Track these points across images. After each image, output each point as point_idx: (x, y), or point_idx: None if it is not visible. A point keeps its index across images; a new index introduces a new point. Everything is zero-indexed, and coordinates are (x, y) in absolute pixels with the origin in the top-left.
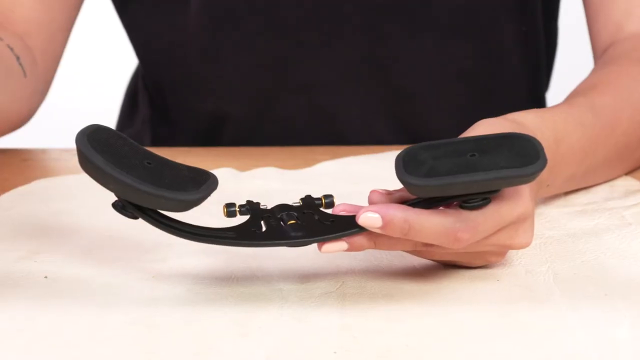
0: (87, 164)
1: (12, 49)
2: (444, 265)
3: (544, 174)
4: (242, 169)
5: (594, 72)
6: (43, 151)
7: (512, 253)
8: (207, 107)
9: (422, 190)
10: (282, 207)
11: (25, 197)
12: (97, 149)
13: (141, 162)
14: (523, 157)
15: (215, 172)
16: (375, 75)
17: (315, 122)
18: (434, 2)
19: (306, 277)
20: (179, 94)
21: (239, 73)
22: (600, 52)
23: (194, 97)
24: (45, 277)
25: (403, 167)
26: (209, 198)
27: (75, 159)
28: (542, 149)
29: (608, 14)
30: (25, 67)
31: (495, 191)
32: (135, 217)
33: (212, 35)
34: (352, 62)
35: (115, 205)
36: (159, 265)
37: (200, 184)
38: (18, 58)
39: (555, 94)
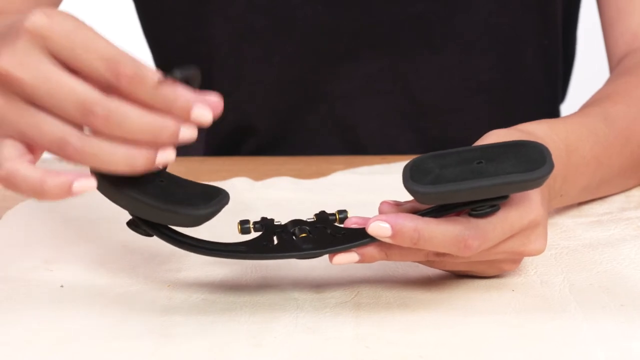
0: (99, 182)
1: None
2: (458, 275)
3: (557, 183)
4: (257, 178)
5: (608, 82)
6: (60, 159)
7: (527, 263)
8: (228, 119)
9: (427, 197)
10: (295, 222)
11: (40, 206)
12: None
13: (152, 180)
14: (529, 162)
15: (230, 181)
16: (396, 88)
17: (336, 134)
18: (455, 16)
19: (321, 286)
20: None
21: (261, 86)
22: (616, 62)
23: None
24: (61, 286)
25: (410, 176)
26: (224, 208)
27: None
28: (549, 154)
29: (625, 24)
30: None
31: (504, 197)
32: (150, 235)
33: (234, 49)
34: (373, 75)
35: (129, 224)
36: (174, 275)
37: (211, 199)
38: None
39: (570, 105)
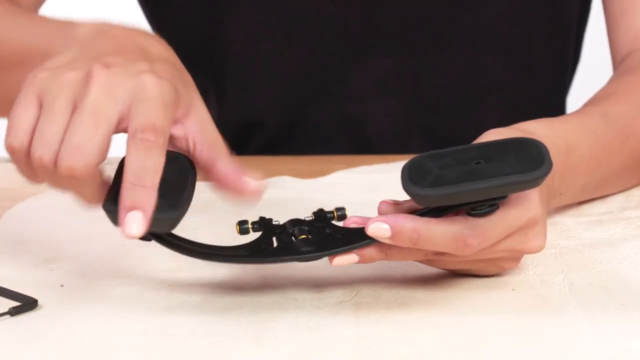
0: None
1: None
2: (458, 274)
3: (556, 181)
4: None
5: (610, 81)
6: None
7: (527, 262)
8: (238, 116)
9: (427, 200)
10: (294, 222)
11: (40, 206)
12: None
13: None
14: (528, 162)
15: None
16: (405, 87)
17: (346, 132)
18: (465, 16)
19: (321, 285)
20: (210, 102)
21: (271, 82)
22: (619, 61)
23: (226, 105)
24: (61, 286)
25: (409, 178)
26: (224, 207)
27: None
28: (547, 152)
29: (629, 23)
30: None
31: (503, 197)
32: (149, 239)
33: (246, 47)
34: (383, 74)
35: None
36: (175, 275)
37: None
38: None
39: (574, 104)
